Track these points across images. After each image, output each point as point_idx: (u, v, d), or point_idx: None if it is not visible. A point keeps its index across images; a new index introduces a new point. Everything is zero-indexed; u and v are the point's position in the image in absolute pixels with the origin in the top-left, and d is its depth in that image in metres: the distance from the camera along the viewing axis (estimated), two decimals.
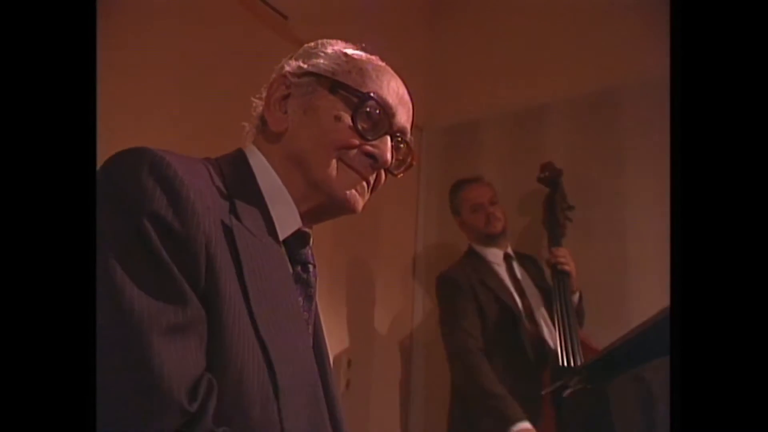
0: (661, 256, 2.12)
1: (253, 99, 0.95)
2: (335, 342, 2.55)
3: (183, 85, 2.01)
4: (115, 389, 0.62)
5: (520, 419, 2.08)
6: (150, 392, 0.62)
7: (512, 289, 2.47)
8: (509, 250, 2.62)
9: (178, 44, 2.04)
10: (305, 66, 0.92)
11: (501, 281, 2.49)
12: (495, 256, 2.57)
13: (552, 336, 2.30)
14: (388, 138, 0.91)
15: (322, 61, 0.92)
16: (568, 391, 1.69)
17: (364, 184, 0.92)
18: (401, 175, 0.98)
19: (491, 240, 2.59)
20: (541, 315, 2.42)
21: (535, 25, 3.09)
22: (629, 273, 2.51)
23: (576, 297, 2.43)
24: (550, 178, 2.60)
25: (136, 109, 1.84)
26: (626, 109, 2.75)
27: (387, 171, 0.94)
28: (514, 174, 2.88)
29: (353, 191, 0.90)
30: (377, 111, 0.89)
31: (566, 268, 2.36)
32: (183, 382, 0.64)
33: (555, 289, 2.35)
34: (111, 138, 0.77)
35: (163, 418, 0.63)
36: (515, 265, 2.58)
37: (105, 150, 0.73)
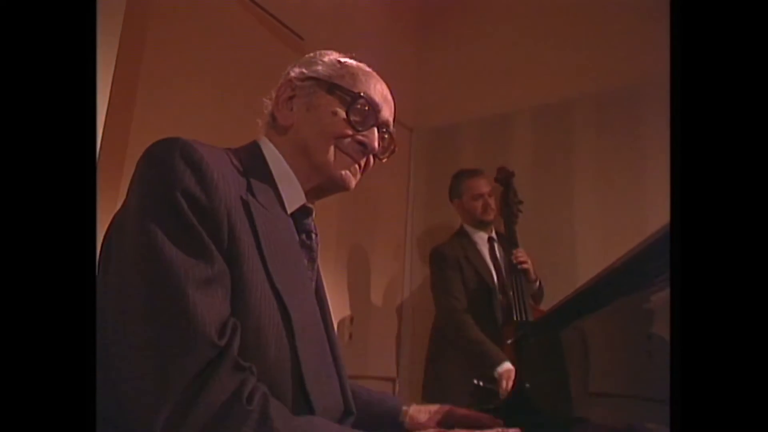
0: (599, 235, 2.56)
1: (264, 99, 0.98)
2: (341, 303, 2.70)
3: (216, 93, 2.05)
4: (157, 330, 0.65)
5: (503, 360, 2.18)
6: (186, 330, 0.65)
7: (491, 267, 2.55)
8: (493, 234, 2.67)
9: (213, 61, 2.09)
10: (307, 72, 0.95)
11: (483, 260, 2.56)
12: (481, 238, 2.63)
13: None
14: (375, 129, 0.95)
15: (320, 67, 0.95)
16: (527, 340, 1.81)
17: (356, 166, 0.95)
18: (385, 159, 1.01)
19: (482, 225, 2.64)
20: (510, 288, 2.50)
21: (509, 41, 3.10)
22: (575, 257, 2.61)
23: (536, 284, 2.52)
24: (504, 178, 2.69)
25: (175, 110, 1.89)
26: (577, 119, 2.80)
27: (375, 156, 0.97)
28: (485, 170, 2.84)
29: (347, 172, 0.94)
30: (366, 107, 0.93)
31: (525, 266, 2.43)
32: (213, 323, 0.67)
33: (514, 280, 2.43)
34: (157, 135, 0.79)
35: (197, 351, 0.65)
36: (496, 246, 2.63)
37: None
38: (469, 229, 2.67)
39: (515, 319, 2.34)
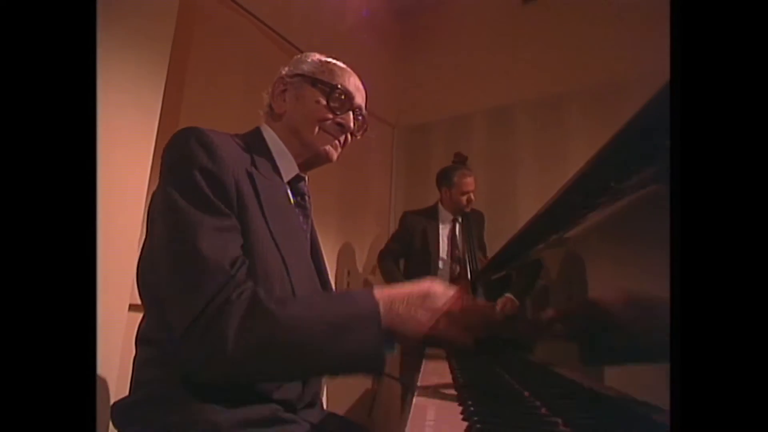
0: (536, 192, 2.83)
1: (263, 94, 1.07)
2: (342, 259, 3.05)
3: (241, 95, 2.26)
4: (178, 263, 0.74)
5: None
6: (203, 266, 0.73)
7: (441, 241, 2.72)
8: (458, 216, 2.77)
9: (237, 70, 2.32)
10: (295, 70, 1.04)
11: (436, 235, 2.73)
12: (445, 218, 2.76)
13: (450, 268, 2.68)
14: (351, 113, 1.03)
15: (305, 66, 1.04)
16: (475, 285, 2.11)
17: (336, 142, 1.03)
18: (359, 136, 1.09)
19: (458, 211, 2.75)
20: (451, 258, 2.70)
21: (479, 50, 3.43)
22: (518, 212, 2.77)
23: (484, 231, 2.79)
24: (459, 162, 2.85)
25: (212, 108, 2.14)
26: (521, 120, 3.15)
27: (351, 134, 1.05)
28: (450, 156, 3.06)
29: (329, 147, 1.03)
30: (342, 96, 1.02)
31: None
32: (226, 257, 0.74)
33: (469, 249, 2.68)
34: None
35: (214, 278, 0.72)
36: (458, 226, 2.75)
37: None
38: (442, 211, 2.78)
39: (469, 273, 2.58)
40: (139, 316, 0.89)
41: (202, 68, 2.12)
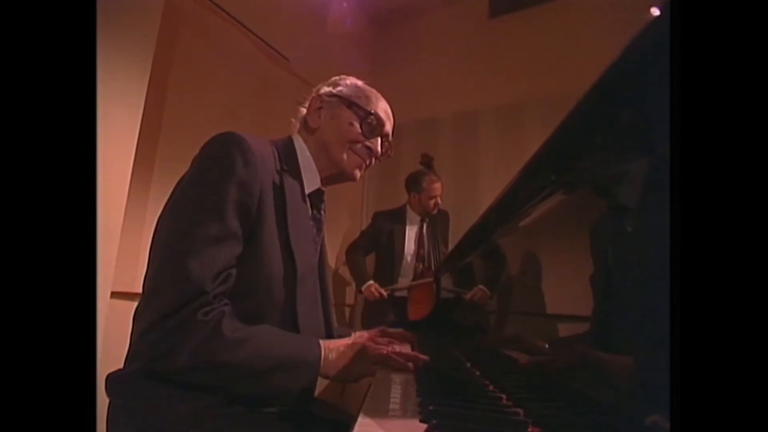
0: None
1: (299, 107, 1.07)
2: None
3: (223, 96, 2.25)
4: (166, 268, 0.74)
5: (367, 280, 2.67)
6: (184, 276, 0.72)
7: (407, 241, 2.76)
8: (425, 218, 2.79)
9: (220, 72, 2.29)
10: (333, 90, 1.04)
11: (402, 235, 2.76)
12: (412, 219, 2.79)
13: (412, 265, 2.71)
14: (379, 139, 1.04)
15: (343, 89, 1.04)
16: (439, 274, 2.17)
17: (363, 164, 1.04)
18: (382, 160, 1.10)
19: (426, 214, 2.77)
20: (416, 256, 2.73)
21: (447, 59, 3.48)
22: (480, 210, 2.86)
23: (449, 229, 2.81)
24: (427, 162, 2.85)
25: (194, 107, 2.08)
26: (482, 125, 3.22)
27: (377, 158, 1.06)
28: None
29: (357, 170, 1.03)
30: (375, 122, 1.02)
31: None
32: (212, 270, 0.74)
33: (434, 244, 2.70)
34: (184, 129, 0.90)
35: (188, 291, 0.72)
36: (425, 226, 2.77)
37: (200, 137, 0.88)
38: (410, 213, 2.81)
39: (432, 265, 2.62)
40: (121, 303, 0.89)
41: (186, 68, 2.11)
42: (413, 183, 2.80)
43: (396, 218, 2.82)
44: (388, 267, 2.73)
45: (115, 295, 1.49)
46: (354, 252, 2.84)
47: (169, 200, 0.84)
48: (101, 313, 1.44)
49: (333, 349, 0.84)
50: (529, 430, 0.58)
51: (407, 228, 2.78)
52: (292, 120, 1.08)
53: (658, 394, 0.37)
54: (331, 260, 3.28)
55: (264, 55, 2.58)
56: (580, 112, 0.53)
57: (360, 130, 1.01)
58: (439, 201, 2.75)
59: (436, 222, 2.77)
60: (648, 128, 0.47)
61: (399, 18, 3.77)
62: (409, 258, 2.73)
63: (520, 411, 0.65)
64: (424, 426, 0.55)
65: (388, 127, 1.06)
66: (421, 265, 2.69)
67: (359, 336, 0.91)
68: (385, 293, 2.62)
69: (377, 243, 2.80)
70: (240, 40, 2.45)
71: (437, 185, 2.75)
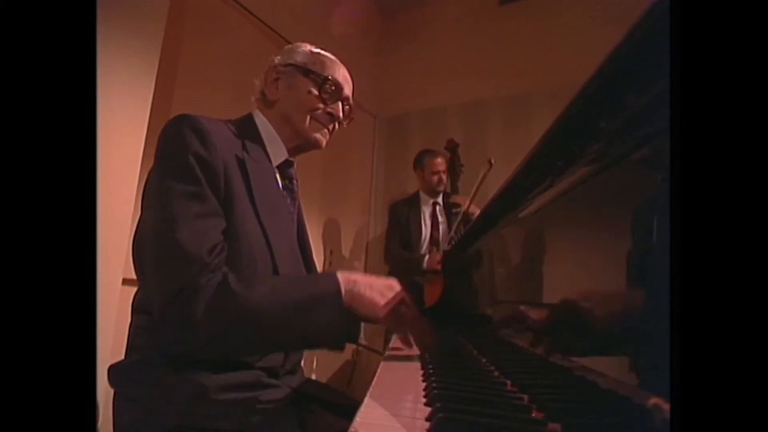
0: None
1: (254, 81, 1.05)
2: (326, 239, 3.08)
3: (230, 83, 2.20)
4: (161, 246, 0.74)
5: (424, 258, 2.62)
6: (180, 255, 0.73)
7: (424, 226, 2.80)
8: (438, 200, 2.84)
9: (227, 60, 2.29)
10: (288, 60, 1.02)
11: (418, 220, 2.81)
12: (426, 202, 2.84)
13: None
14: (340, 103, 1.03)
15: (298, 57, 1.02)
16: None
17: (326, 130, 1.03)
18: (346, 124, 1.08)
19: (434, 193, 2.82)
20: (430, 239, 2.79)
21: (456, 47, 3.46)
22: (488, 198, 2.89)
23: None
24: (452, 148, 2.88)
25: (202, 96, 2.10)
26: (492, 114, 3.21)
27: (339, 122, 1.04)
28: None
29: (319, 135, 1.02)
30: (333, 87, 1.01)
31: (457, 211, 2.65)
32: (205, 245, 0.74)
33: (450, 222, 2.71)
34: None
35: (189, 267, 0.72)
36: (438, 208, 2.82)
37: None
38: (422, 195, 2.85)
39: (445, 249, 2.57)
40: (132, 289, 0.90)
41: (193, 58, 2.11)
42: (417, 162, 2.88)
43: (410, 204, 2.87)
44: (410, 252, 2.77)
45: (126, 281, 1.51)
46: (390, 251, 2.87)
47: (143, 199, 0.84)
48: (113, 301, 1.46)
49: (358, 281, 0.82)
50: (533, 414, 0.58)
51: (422, 211, 2.83)
52: (251, 97, 1.06)
53: (660, 376, 0.36)
54: (342, 245, 3.30)
55: (268, 40, 2.58)
56: (584, 96, 0.52)
57: (319, 97, 1.00)
58: (443, 177, 2.78)
59: (448, 203, 2.80)
60: (652, 111, 0.45)
61: (406, 4, 3.73)
62: (425, 241, 2.79)
63: (525, 397, 0.65)
64: (429, 409, 0.55)
65: (347, 90, 1.04)
66: (434, 249, 2.72)
67: (393, 279, 0.88)
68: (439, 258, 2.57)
69: (402, 231, 2.85)
70: (244, 26, 2.46)
71: (438, 159, 2.80)
